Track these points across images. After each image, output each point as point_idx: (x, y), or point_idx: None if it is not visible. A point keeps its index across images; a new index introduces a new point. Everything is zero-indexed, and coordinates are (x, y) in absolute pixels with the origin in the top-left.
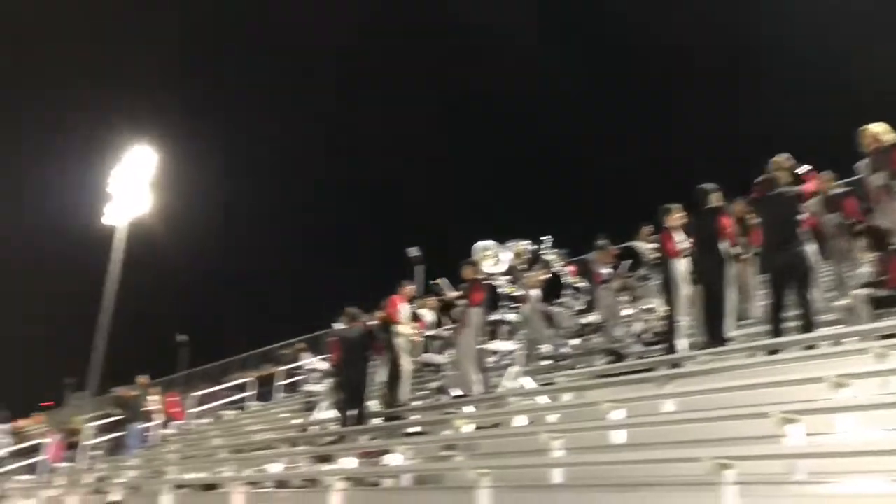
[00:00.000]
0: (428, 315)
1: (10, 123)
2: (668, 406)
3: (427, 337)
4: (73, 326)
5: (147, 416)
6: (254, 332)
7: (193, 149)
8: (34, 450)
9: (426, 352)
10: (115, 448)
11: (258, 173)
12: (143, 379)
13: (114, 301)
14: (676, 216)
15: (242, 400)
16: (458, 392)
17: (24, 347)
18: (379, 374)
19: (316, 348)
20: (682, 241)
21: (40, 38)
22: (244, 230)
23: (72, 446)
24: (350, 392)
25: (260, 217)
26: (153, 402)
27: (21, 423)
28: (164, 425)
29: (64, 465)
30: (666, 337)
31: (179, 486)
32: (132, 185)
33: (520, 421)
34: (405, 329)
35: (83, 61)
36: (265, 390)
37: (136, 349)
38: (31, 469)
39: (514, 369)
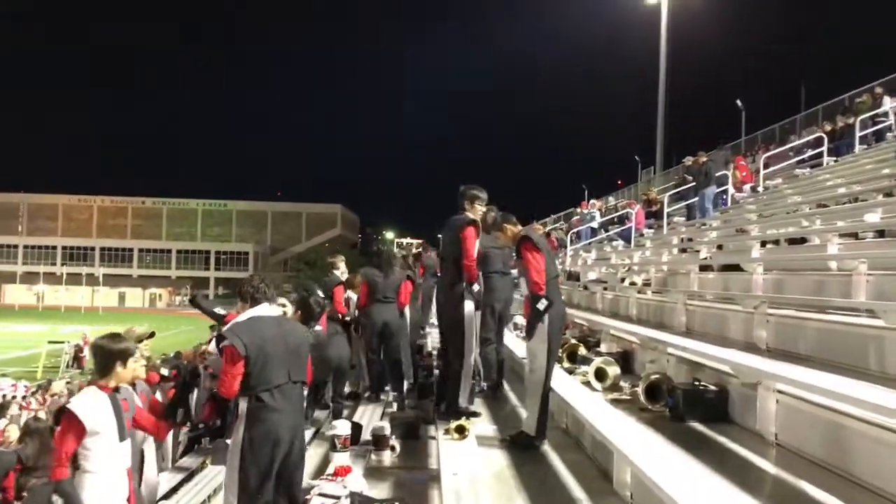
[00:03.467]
0: None
1: None
2: None
3: None
4: (632, 106)
5: (717, 182)
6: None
7: None
8: (623, 218)
9: None
10: (691, 214)
11: None
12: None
13: (666, 77)
14: None
15: (812, 158)
16: None
17: (599, 128)
18: None
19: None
20: None
21: None
22: None
23: (652, 215)
24: None
25: None
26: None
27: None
28: (737, 189)
29: (649, 231)
30: None
31: (763, 243)
32: None
33: None
34: None
35: None
36: (839, 144)
37: (696, 118)
38: (621, 236)
39: None
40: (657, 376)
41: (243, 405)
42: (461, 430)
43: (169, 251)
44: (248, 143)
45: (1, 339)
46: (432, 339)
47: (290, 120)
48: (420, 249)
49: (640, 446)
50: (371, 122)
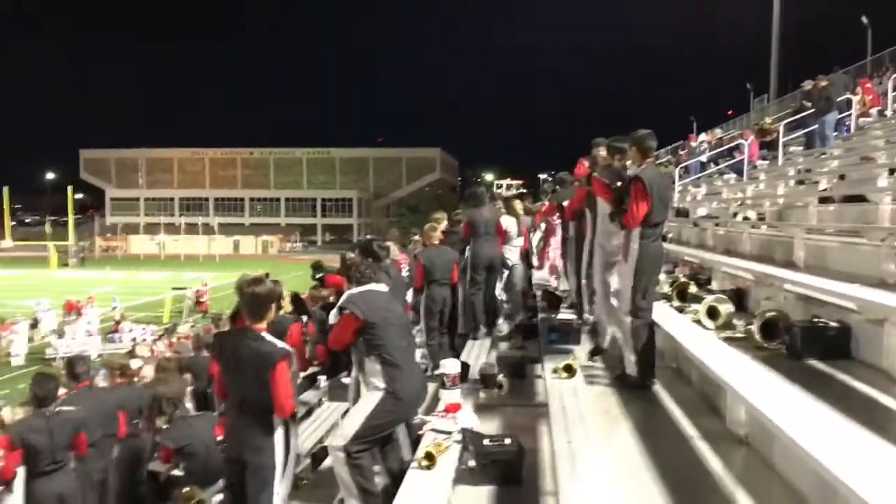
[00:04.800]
0: None
1: None
2: None
3: None
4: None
5: (839, 107)
6: None
7: None
8: (733, 151)
9: None
10: (810, 142)
11: None
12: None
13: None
14: None
15: None
16: None
17: (707, 56)
18: None
19: None
20: None
21: None
22: None
23: (766, 146)
24: None
25: None
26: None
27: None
28: (862, 114)
29: (762, 162)
30: None
31: (892, 171)
32: None
33: None
34: None
35: None
36: None
37: (814, 39)
38: (733, 169)
39: None
40: (773, 314)
41: (376, 366)
42: (569, 369)
43: (277, 199)
44: (347, 89)
45: (129, 286)
46: (538, 280)
47: (388, 65)
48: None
49: (755, 384)
50: (470, 64)
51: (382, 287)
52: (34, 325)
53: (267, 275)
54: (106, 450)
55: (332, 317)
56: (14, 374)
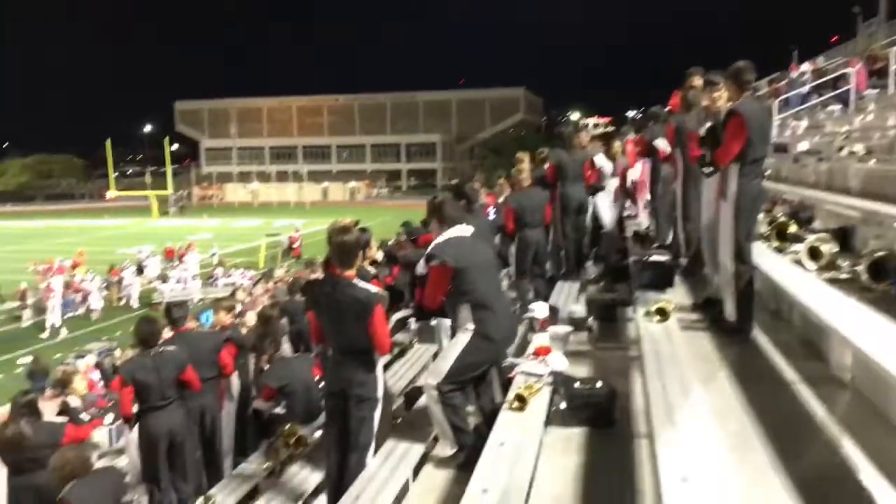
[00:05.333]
0: None
1: None
2: None
3: None
4: None
5: None
6: None
7: None
8: (837, 81)
9: None
10: None
11: None
12: None
13: None
14: None
15: None
16: None
17: None
18: None
19: None
20: None
21: None
22: None
23: (875, 74)
24: None
25: None
26: None
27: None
28: None
29: (871, 92)
30: None
31: None
32: None
33: None
34: None
35: None
36: None
37: None
38: (838, 99)
39: None
40: (882, 253)
41: (466, 309)
42: (662, 313)
43: (363, 146)
44: (429, 30)
45: (226, 233)
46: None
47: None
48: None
49: (863, 327)
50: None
51: (467, 230)
52: (140, 271)
53: (356, 223)
54: (210, 388)
55: (421, 267)
56: (127, 315)
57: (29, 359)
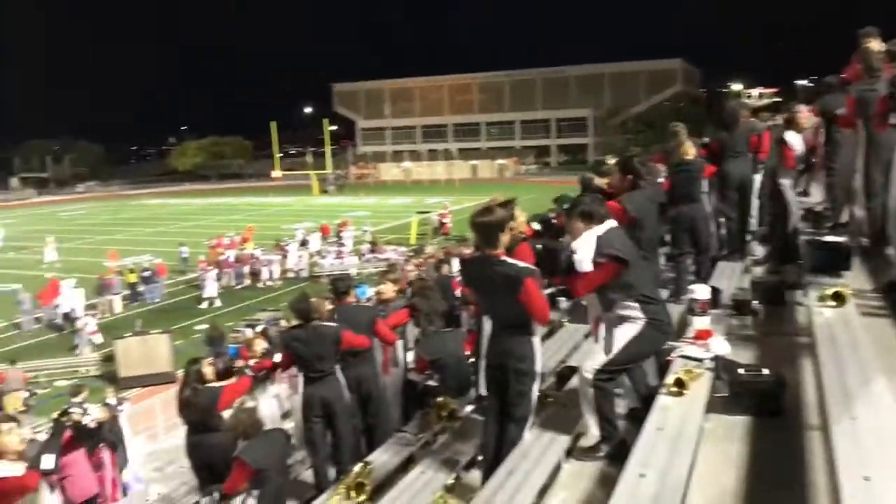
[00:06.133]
0: None
1: None
2: None
3: None
4: None
5: None
6: None
7: None
8: None
9: None
10: None
11: None
12: None
13: None
14: None
15: None
16: None
17: None
18: None
19: None
20: None
21: None
22: None
23: None
24: None
25: None
26: None
27: None
28: None
29: None
30: None
31: None
32: None
33: None
34: None
35: None
36: None
37: None
38: None
39: None
40: None
41: (629, 300)
42: (839, 297)
43: (512, 122)
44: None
45: (381, 210)
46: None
47: None
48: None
49: None
50: None
51: (614, 223)
52: (303, 244)
53: (509, 202)
54: (366, 360)
55: (585, 263)
56: (292, 287)
57: (204, 326)
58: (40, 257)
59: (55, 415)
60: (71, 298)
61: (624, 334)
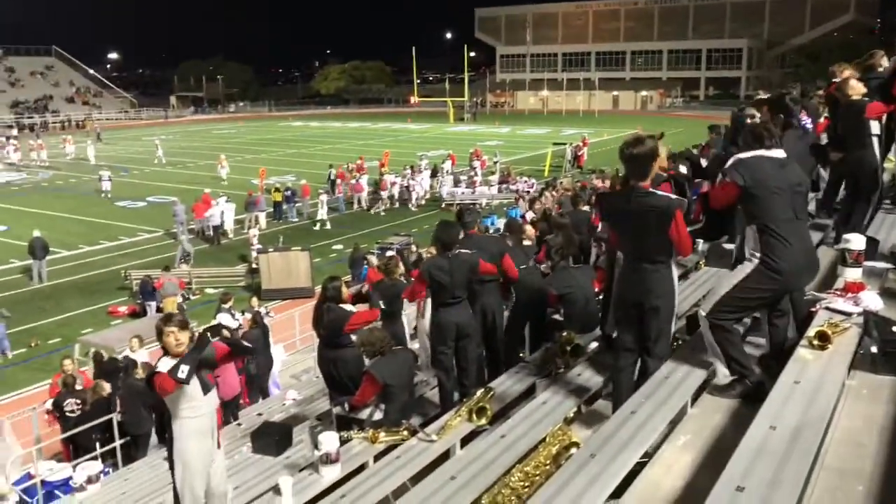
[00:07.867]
0: None
1: None
2: None
3: None
4: None
5: None
6: None
7: None
8: None
9: None
10: None
11: None
12: None
13: None
14: None
15: None
16: None
17: None
18: None
19: None
20: None
21: None
22: None
23: None
24: None
25: None
26: None
27: None
28: None
29: None
30: None
31: None
32: None
33: None
34: None
35: None
36: None
37: None
38: None
39: None
40: None
41: (755, 235)
42: None
43: (660, 52)
44: None
45: (514, 140)
46: None
47: None
48: None
49: None
50: None
51: (777, 153)
52: (434, 173)
53: (660, 135)
54: (492, 290)
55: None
56: (418, 216)
57: (340, 246)
58: (194, 172)
59: (203, 328)
60: (221, 213)
61: (735, 274)
